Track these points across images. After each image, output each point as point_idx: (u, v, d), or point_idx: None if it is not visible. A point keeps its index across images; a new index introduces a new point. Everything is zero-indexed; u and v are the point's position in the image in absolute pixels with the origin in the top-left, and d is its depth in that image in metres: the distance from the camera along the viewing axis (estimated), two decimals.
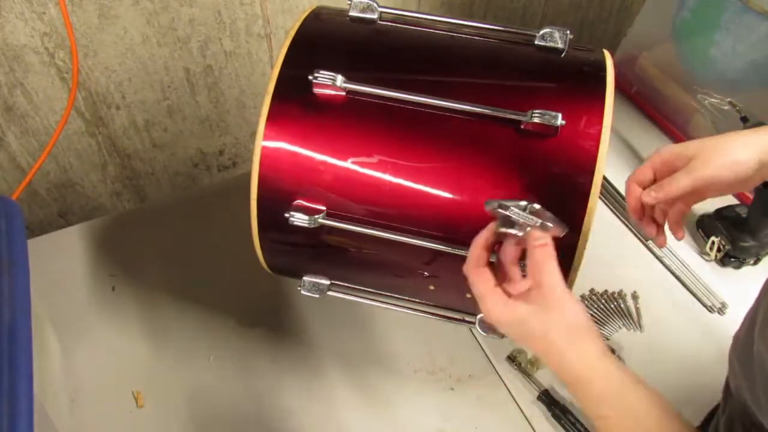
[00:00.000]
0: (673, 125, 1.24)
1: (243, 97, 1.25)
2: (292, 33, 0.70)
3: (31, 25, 0.97)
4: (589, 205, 0.61)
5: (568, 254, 0.63)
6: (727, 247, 1.00)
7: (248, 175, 0.67)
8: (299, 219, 0.66)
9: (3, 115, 1.05)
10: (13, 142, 1.09)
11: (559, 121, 0.61)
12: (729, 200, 1.08)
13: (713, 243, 1.01)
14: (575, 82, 0.66)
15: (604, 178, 1.11)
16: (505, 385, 0.86)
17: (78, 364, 0.86)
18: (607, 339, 0.90)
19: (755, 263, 1.02)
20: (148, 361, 0.87)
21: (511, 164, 0.63)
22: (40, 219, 1.23)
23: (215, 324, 0.91)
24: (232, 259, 0.98)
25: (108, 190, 1.26)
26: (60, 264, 0.98)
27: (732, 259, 1.01)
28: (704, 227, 1.05)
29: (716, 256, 1.02)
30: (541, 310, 0.53)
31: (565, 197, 0.62)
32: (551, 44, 0.69)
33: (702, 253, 1.04)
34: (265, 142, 0.66)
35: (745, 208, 1.04)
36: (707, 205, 0.96)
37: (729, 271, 1.02)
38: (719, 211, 1.05)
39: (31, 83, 1.03)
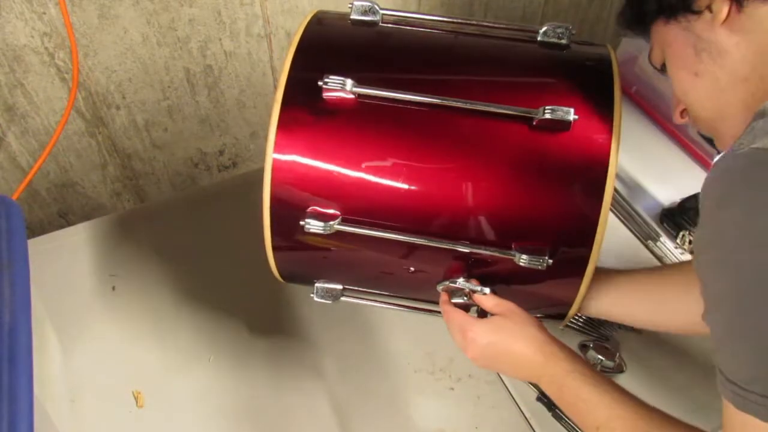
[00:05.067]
0: (673, 125, 1.23)
1: (243, 97, 1.25)
2: (296, 39, 0.69)
3: (31, 25, 0.97)
4: (605, 197, 0.61)
5: (586, 246, 0.63)
6: None
7: (248, 175, 0.66)
8: (314, 226, 0.64)
9: (3, 115, 1.05)
10: (13, 142, 1.09)
11: (572, 115, 0.61)
12: (695, 189, 1.06)
13: (683, 236, 1.02)
14: (582, 76, 0.66)
15: None
16: (505, 385, 0.86)
17: (78, 364, 0.86)
18: (607, 339, 0.90)
19: None
20: (148, 361, 0.87)
21: (526, 161, 0.63)
22: (40, 219, 1.23)
23: (215, 324, 0.91)
24: (232, 258, 0.98)
25: (108, 190, 1.26)
26: (60, 264, 0.98)
27: None
28: (669, 221, 1.05)
29: (690, 248, 1.02)
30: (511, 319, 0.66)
31: (580, 190, 0.63)
32: (554, 40, 0.69)
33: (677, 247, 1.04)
34: (276, 155, 0.64)
35: None
36: (674, 196, 1.06)
37: None
38: (683, 203, 1.05)
39: (31, 83, 1.03)
